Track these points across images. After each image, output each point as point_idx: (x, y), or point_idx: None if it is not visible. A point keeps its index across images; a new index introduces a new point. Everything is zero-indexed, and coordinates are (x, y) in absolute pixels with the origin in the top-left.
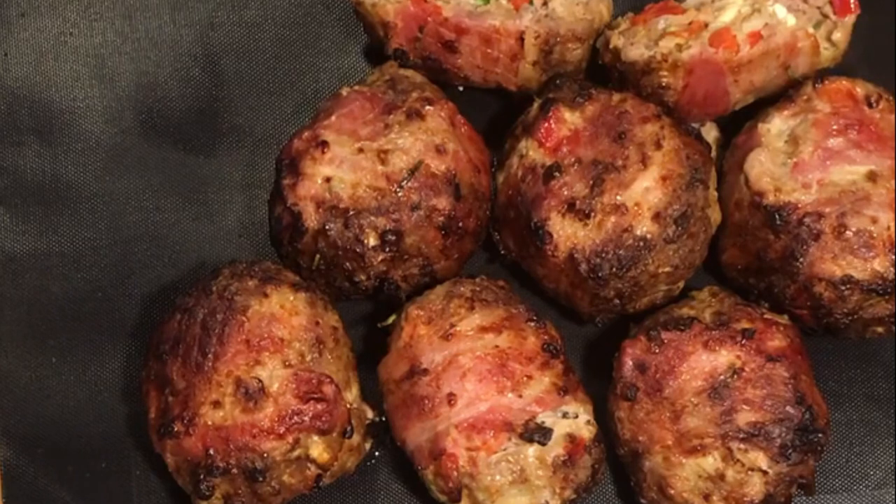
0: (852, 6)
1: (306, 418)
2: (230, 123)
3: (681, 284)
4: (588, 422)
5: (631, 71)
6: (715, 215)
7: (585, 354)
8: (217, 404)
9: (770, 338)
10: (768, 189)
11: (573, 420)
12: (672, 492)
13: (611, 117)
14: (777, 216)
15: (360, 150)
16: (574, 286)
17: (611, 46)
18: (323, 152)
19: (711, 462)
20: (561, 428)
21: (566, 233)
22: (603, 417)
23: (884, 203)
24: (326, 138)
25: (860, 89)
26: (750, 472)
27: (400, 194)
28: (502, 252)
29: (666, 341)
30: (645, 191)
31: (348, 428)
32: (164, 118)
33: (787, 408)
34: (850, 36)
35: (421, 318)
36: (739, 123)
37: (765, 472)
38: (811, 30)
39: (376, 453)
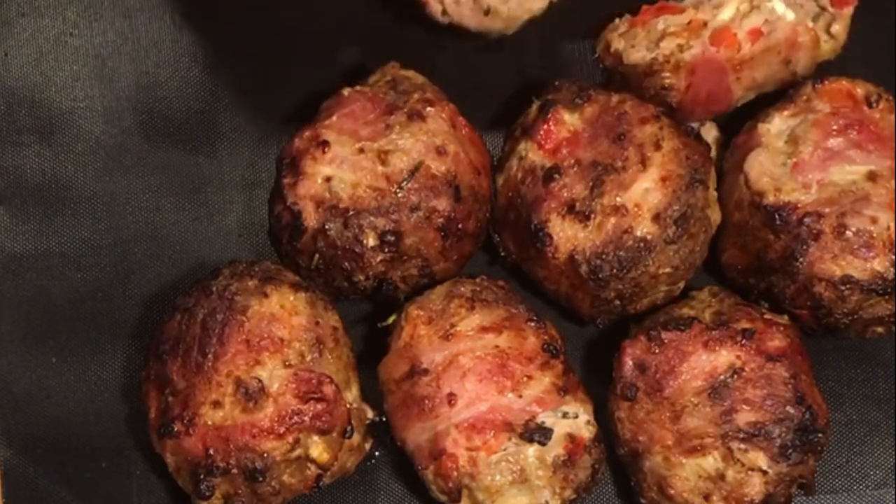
0: None
1: (306, 418)
2: (230, 123)
3: (681, 285)
4: (588, 422)
5: (633, 73)
6: (715, 215)
7: (585, 354)
8: (217, 404)
9: (770, 338)
10: (768, 189)
11: (573, 420)
12: (672, 492)
13: (610, 118)
14: (777, 216)
15: (361, 151)
16: (575, 288)
17: (612, 49)
18: (323, 152)
19: (711, 462)
20: (561, 428)
21: (566, 234)
22: (603, 417)
23: (884, 203)
24: (327, 138)
25: (860, 89)
26: (750, 472)
27: (400, 195)
28: (503, 254)
29: (666, 341)
30: (645, 192)
31: (348, 428)
32: (164, 118)
33: (787, 408)
34: (848, 27)
35: (421, 318)
36: (739, 123)
37: (765, 472)
38: (810, 23)
39: (376, 453)
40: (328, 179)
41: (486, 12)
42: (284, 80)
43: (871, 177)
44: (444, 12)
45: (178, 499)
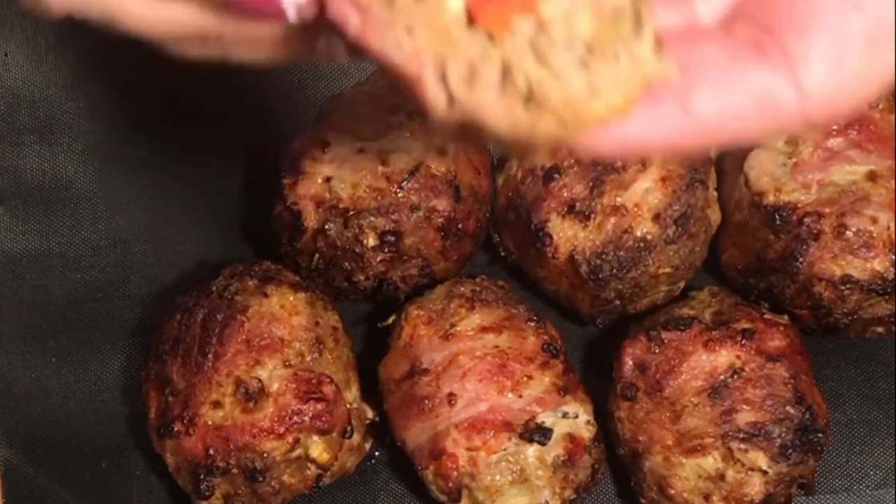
0: None
1: (306, 418)
2: (231, 123)
3: (681, 285)
4: (588, 422)
5: None
6: (715, 215)
7: (585, 354)
8: (217, 404)
9: (770, 338)
10: (768, 189)
11: (573, 420)
12: (672, 492)
13: None
14: (777, 216)
15: (361, 150)
16: (575, 288)
17: None
18: (324, 151)
19: (711, 462)
20: (561, 428)
21: (566, 234)
22: (603, 417)
23: (884, 203)
24: (327, 138)
25: None
26: (750, 472)
27: (400, 195)
28: (503, 254)
29: (666, 341)
30: (644, 192)
31: (348, 428)
32: (165, 118)
33: (787, 408)
34: None
35: (421, 318)
36: None
37: (765, 472)
38: None
39: (376, 453)
40: (328, 179)
41: (529, 98)
42: (284, 81)
43: (871, 177)
44: (452, 101)
45: (178, 499)
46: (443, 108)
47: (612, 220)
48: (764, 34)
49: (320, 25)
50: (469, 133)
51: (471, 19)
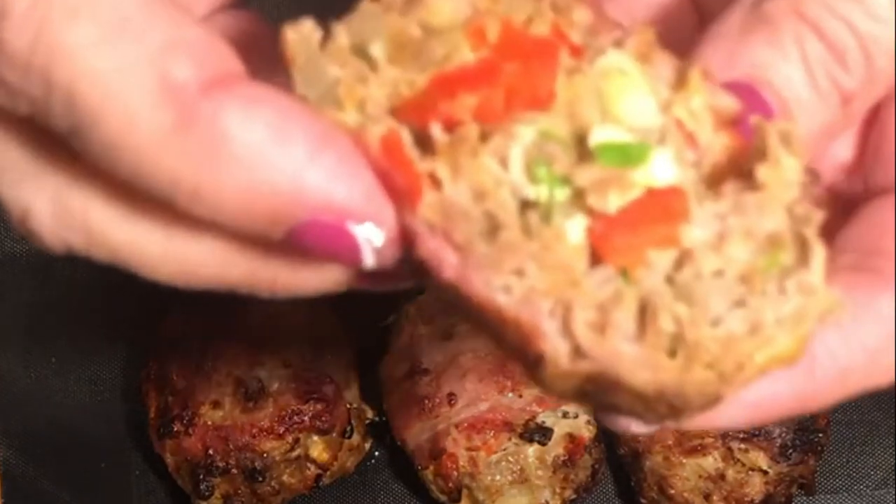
0: None
1: (306, 418)
2: None
3: None
4: (588, 422)
5: None
6: None
7: None
8: (217, 404)
9: None
10: None
11: (573, 420)
12: (672, 491)
13: None
14: None
15: None
16: None
17: None
18: None
19: (711, 462)
20: (561, 428)
21: None
22: None
23: None
24: None
25: None
26: (750, 472)
27: None
28: None
29: None
30: None
31: (348, 428)
32: None
33: None
34: None
35: (421, 318)
36: None
37: (765, 472)
38: None
39: (376, 453)
40: None
41: (675, 346)
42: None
43: None
44: (578, 353)
45: (178, 499)
46: (566, 362)
47: None
48: (873, 258)
49: (398, 267)
50: (597, 388)
51: (595, 253)
